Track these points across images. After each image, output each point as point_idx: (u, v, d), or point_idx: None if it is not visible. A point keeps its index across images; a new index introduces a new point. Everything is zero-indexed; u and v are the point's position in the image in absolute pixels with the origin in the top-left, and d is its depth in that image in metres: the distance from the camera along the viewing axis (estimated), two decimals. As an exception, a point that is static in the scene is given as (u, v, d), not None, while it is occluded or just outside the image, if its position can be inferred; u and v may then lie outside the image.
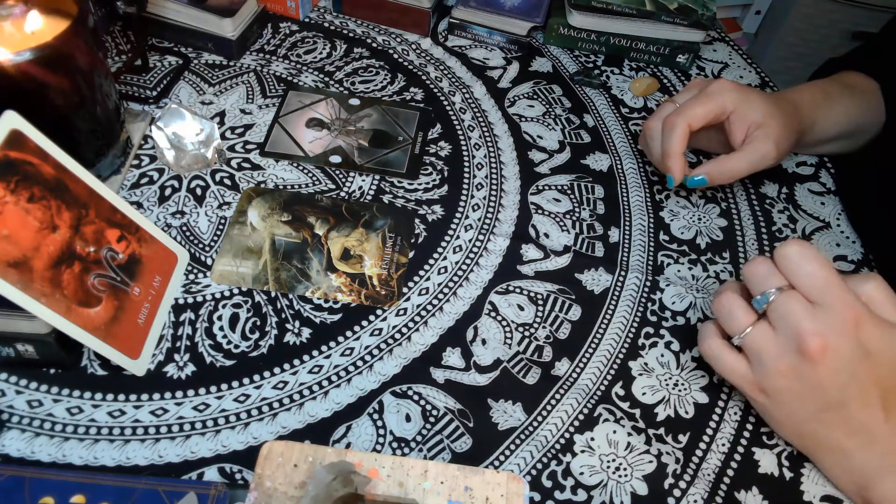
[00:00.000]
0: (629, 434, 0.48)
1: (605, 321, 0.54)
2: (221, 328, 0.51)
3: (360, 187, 0.61)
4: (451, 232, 0.58)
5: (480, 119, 0.68)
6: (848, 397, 0.41)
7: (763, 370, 0.43)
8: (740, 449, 0.48)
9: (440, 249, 0.57)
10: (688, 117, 0.55)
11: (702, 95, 0.56)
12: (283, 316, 0.52)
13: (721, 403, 0.50)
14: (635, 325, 0.54)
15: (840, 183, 0.65)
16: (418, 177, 0.62)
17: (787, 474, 0.47)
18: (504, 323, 0.53)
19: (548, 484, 0.45)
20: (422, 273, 0.56)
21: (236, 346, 0.50)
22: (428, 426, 0.47)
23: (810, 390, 0.42)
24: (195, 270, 0.54)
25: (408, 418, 0.48)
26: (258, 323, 0.52)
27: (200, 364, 0.49)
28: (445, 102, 0.69)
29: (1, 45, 0.46)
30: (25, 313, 0.42)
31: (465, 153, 0.65)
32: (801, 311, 0.40)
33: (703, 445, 0.48)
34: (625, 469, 0.46)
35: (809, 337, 0.40)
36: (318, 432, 0.47)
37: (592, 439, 0.47)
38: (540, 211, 0.61)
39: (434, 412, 0.48)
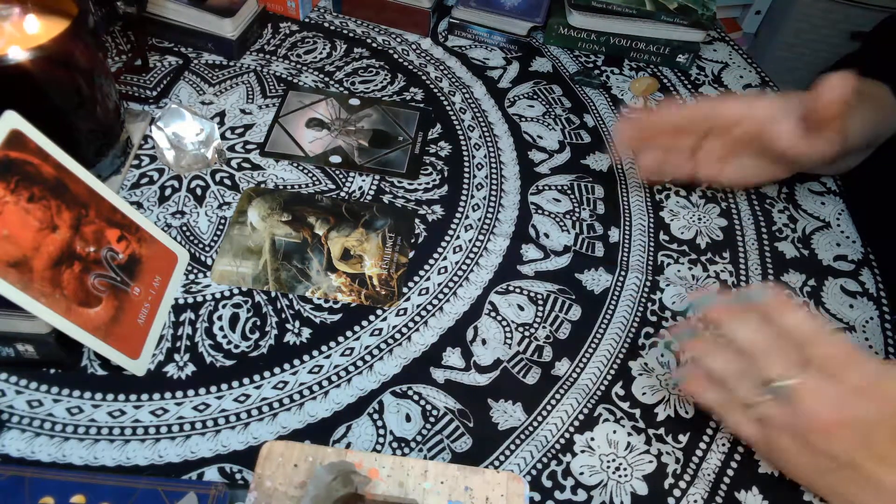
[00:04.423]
0: (629, 434, 0.48)
1: (605, 321, 0.54)
2: (221, 328, 0.51)
3: (360, 187, 0.61)
4: (451, 232, 0.58)
5: (480, 119, 0.68)
6: (861, 458, 0.40)
7: (766, 435, 0.43)
8: (740, 449, 0.48)
9: (440, 249, 0.57)
10: (717, 98, 0.54)
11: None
12: (283, 316, 0.52)
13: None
14: (635, 325, 0.54)
15: (844, 182, 0.65)
16: (418, 177, 0.62)
17: (787, 474, 0.47)
18: (504, 323, 0.53)
19: (548, 484, 0.45)
20: (422, 273, 0.56)
21: (236, 346, 0.50)
22: (428, 426, 0.47)
23: (819, 456, 0.42)
24: (195, 270, 0.54)
25: (408, 418, 0.48)
26: (258, 323, 0.52)
27: (200, 364, 0.49)
28: (445, 102, 0.69)
29: (1, 44, 0.46)
30: (25, 313, 0.42)
31: (465, 153, 0.65)
32: (814, 390, 0.40)
33: (703, 445, 0.48)
34: (625, 469, 0.46)
35: (821, 414, 0.40)
36: (318, 432, 0.47)
37: (592, 439, 0.47)
38: (540, 211, 0.61)
39: (434, 412, 0.48)
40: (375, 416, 0.48)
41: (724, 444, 0.48)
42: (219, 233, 0.56)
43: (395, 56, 0.73)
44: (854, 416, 0.40)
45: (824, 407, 0.40)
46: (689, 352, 0.46)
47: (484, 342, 0.52)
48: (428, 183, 0.62)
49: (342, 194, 0.60)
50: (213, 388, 0.48)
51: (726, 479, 0.46)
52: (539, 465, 0.46)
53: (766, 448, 0.45)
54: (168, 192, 0.59)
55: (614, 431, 0.48)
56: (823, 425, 0.40)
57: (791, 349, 0.42)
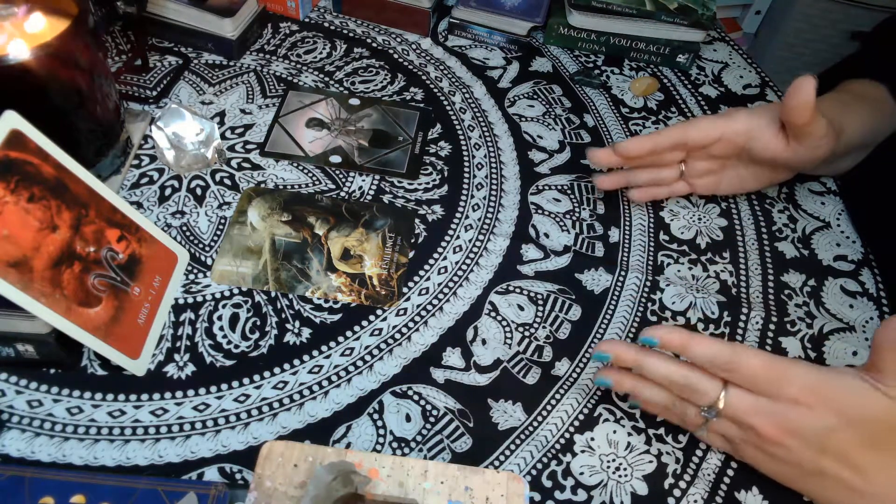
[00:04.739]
0: (629, 434, 0.48)
1: (605, 321, 0.54)
2: (221, 328, 0.51)
3: (360, 187, 0.61)
4: (451, 232, 0.58)
5: (480, 119, 0.68)
6: (827, 467, 0.41)
7: (734, 448, 0.45)
8: (740, 449, 0.48)
9: (440, 249, 0.57)
10: (687, 122, 0.54)
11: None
12: (283, 316, 0.52)
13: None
14: (635, 325, 0.54)
15: (842, 183, 0.65)
16: (418, 177, 0.62)
17: (787, 474, 0.47)
18: (504, 323, 0.53)
19: (548, 484, 0.45)
20: (422, 273, 0.56)
21: (236, 346, 0.50)
22: (428, 426, 0.47)
23: (786, 464, 0.42)
24: (195, 270, 0.54)
25: (408, 418, 0.48)
26: (258, 323, 0.52)
27: (200, 364, 0.49)
28: (445, 102, 0.69)
29: (1, 44, 0.46)
30: (25, 313, 0.42)
31: (465, 153, 0.65)
32: (750, 407, 0.41)
33: (703, 445, 0.48)
34: (625, 469, 0.46)
35: (763, 429, 0.41)
36: (318, 432, 0.47)
37: (592, 439, 0.47)
38: (540, 211, 0.61)
39: (434, 412, 0.48)
40: (375, 416, 0.48)
41: (724, 444, 0.48)
42: (219, 233, 0.56)
43: (395, 56, 0.73)
44: (799, 426, 0.40)
45: (766, 423, 0.41)
46: (620, 390, 0.47)
47: (484, 342, 0.52)
48: (428, 183, 0.62)
49: (342, 194, 0.60)
50: (213, 388, 0.48)
51: (726, 479, 0.46)
52: (539, 465, 0.46)
53: (740, 458, 0.46)
54: (168, 192, 0.59)
55: (614, 431, 0.48)
56: (772, 439, 0.41)
57: (707, 375, 0.43)
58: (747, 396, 0.42)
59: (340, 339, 0.51)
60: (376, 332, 0.52)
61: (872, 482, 0.40)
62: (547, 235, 0.59)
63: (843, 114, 0.57)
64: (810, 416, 0.40)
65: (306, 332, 0.51)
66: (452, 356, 0.51)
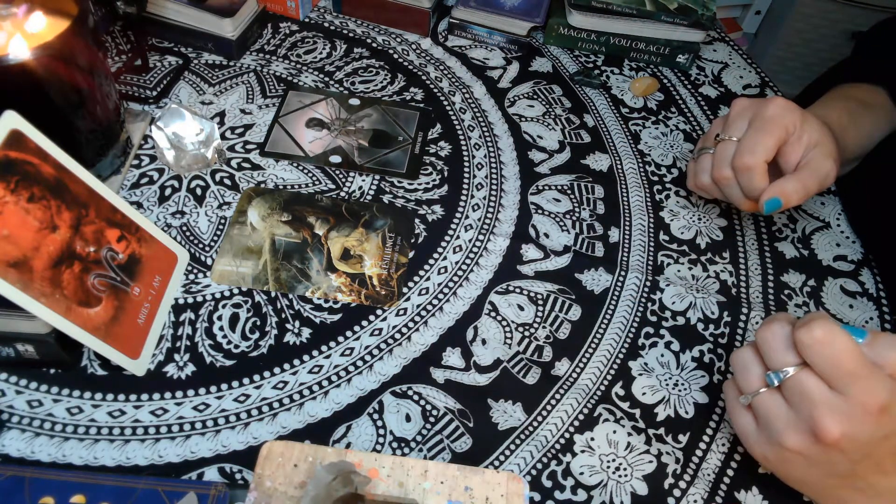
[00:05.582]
0: (629, 434, 0.48)
1: (605, 321, 0.54)
2: (221, 328, 0.51)
3: (360, 187, 0.61)
4: (451, 232, 0.58)
5: (480, 119, 0.68)
6: (860, 471, 0.39)
7: (769, 437, 0.41)
8: (740, 449, 0.48)
9: (440, 249, 0.57)
10: (763, 154, 0.52)
11: (764, 123, 0.52)
12: (283, 316, 0.52)
13: (721, 403, 0.50)
14: (635, 325, 0.54)
15: (840, 183, 0.65)
16: (418, 177, 0.62)
17: (787, 474, 0.47)
18: (504, 323, 0.53)
19: (548, 484, 0.45)
20: (422, 273, 0.56)
21: (236, 346, 0.50)
22: (428, 426, 0.47)
23: (819, 465, 0.40)
24: (195, 270, 0.54)
25: (408, 418, 0.48)
26: (258, 323, 0.52)
27: (200, 364, 0.49)
28: (445, 102, 0.69)
29: (1, 44, 0.46)
30: (25, 313, 0.42)
31: (465, 153, 0.65)
32: (820, 395, 0.38)
33: (703, 445, 0.48)
34: (625, 469, 0.46)
35: (826, 424, 0.38)
36: (318, 432, 0.47)
37: (592, 439, 0.47)
38: (540, 211, 0.61)
39: (434, 412, 0.48)
40: (375, 416, 0.48)
41: (724, 444, 0.48)
42: (219, 233, 0.56)
43: (395, 56, 0.73)
44: (860, 433, 0.38)
45: (831, 423, 0.38)
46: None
47: (484, 342, 0.52)
48: (428, 183, 0.62)
49: (342, 194, 0.60)
50: (213, 388, 0.48)
51: (726, 479, 0.46)
52: (539, 465, 0.46)
53: (761, 452, 0.43)
54: (168, 192, 0.59)
55: (614, 431, 0.48)
56: (828, 436, 0.38)
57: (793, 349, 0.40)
58: (822, 385, 0.39)
59: (340, 339, 0.51)
60: (376, 332, 0.52)
61: None
62: (547, 235, 0.59)
63: (849, 124, 0.57)
64: (873, 423, 0.38)
65: (306, 332, 0.51)
66: (452, 356, 0.51)
